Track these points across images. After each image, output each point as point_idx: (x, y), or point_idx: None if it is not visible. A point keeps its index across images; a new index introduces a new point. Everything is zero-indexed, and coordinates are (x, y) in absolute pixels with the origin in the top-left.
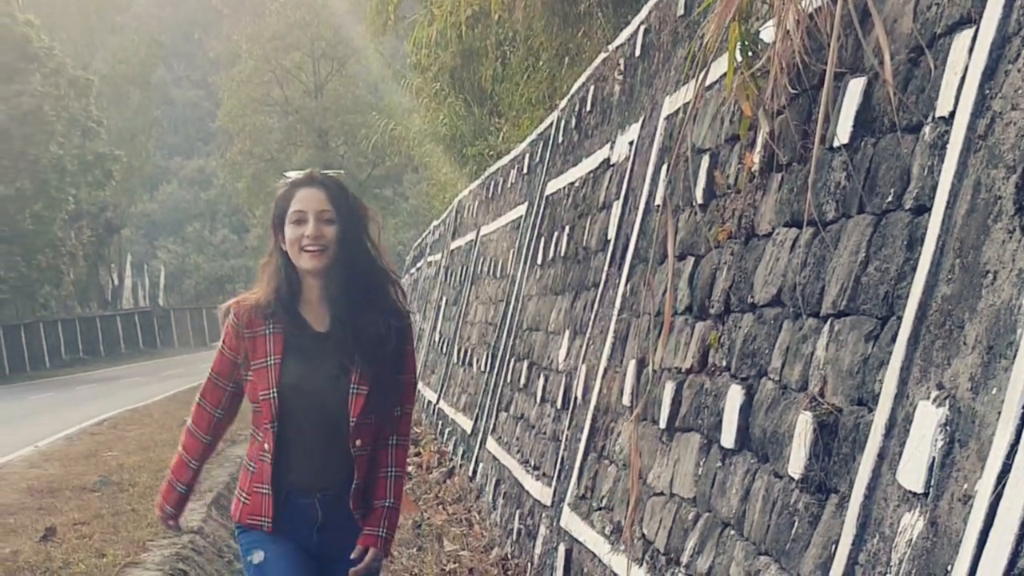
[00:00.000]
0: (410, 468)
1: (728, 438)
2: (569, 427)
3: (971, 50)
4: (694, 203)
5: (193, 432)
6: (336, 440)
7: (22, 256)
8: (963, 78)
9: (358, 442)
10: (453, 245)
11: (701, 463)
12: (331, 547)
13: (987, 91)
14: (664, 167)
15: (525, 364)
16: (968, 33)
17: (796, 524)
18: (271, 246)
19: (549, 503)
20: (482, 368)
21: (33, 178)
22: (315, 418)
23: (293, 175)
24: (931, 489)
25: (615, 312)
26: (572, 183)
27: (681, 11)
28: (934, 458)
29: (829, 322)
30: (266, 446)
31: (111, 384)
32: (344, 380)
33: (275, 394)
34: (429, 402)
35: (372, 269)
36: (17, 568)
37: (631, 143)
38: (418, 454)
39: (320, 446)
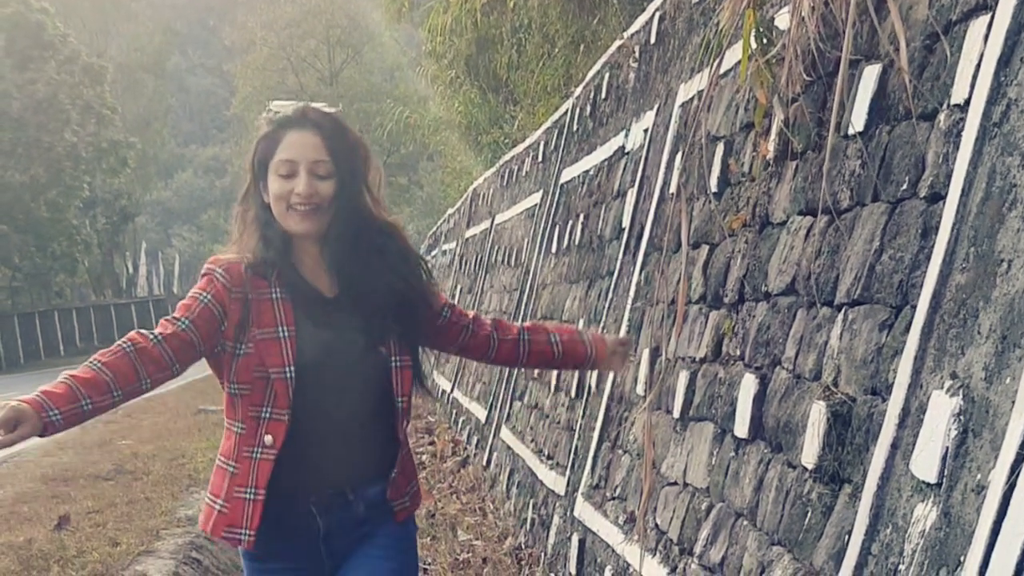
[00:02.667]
0: (424, 457)
1: (742, 428)
2: (583, 416)
3: (986, 37)
4: (708, 191)
5: (134, 360)
6: (373, 426)
7: (37, 244)
8: (978, 65)
9: (405, 423)
10: (468, 233)
11: (715, 453)
12: (342, 555)
13: (1002, 78)
14: (678, 155)
15: None
16: (984, 20)
17: (809, 514)
18: (247, 191)
19: (563, 493)
20: None
21: (48, 166)
22: (347, 402)
23: (281, 106)
24: (944, 479)
25: (629, 301)
26: (587, 171)
27: None
28: (947, 448)
29: (843, 311)
30: (267, 439)
31: None
32: (379, 352)
33: (292, 372)
34: (443, 391)
35: (377, 224)
36: (31, 556)
37: (646, 131)
38: (432, 443)
39: (350, 436)
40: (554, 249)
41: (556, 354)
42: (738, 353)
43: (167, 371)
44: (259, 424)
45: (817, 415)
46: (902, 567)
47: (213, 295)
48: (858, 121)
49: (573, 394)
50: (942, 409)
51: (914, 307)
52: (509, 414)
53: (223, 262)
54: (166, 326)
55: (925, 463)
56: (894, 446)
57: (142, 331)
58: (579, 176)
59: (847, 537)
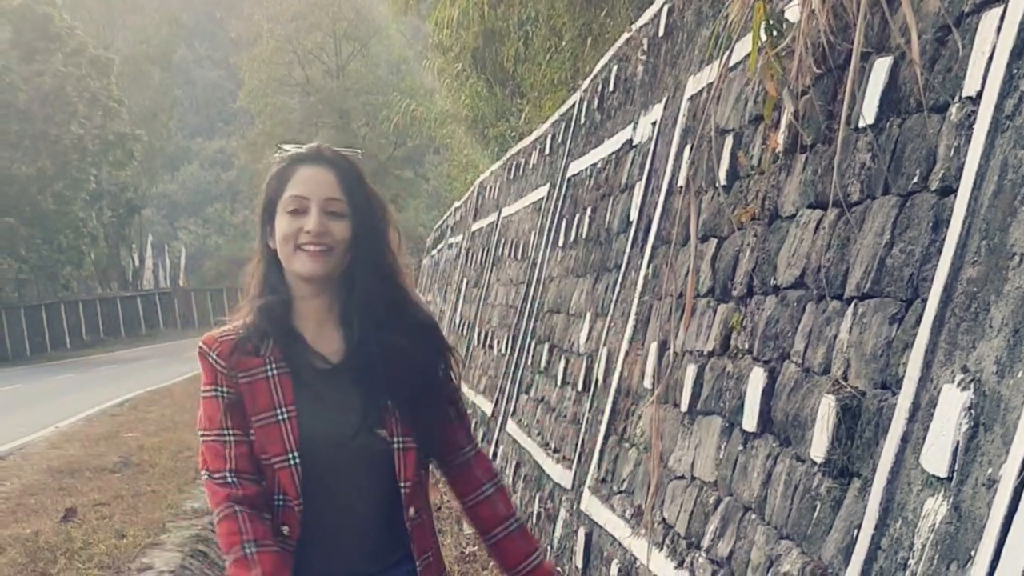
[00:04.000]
0: None
1: (750, 421)
2: (590, 410)
3: (999, 29)
4: (717, 184)
5: (243, 506)
6: (379, 511)
7: (43, 237)
8: (991, 57)
9: (412, 510)
10: (474, 226)
11: (722, 446)
12: None
13: (1015, 70)
14: (687, 148)
15: (546, 346)
16: (996, 12)
17: (818, 508)
18: (258, 245)
19: (569, 486)
20: (503, 350)
21: (54, 158)
22: (350, 485)
23: (292, 148)
24: (955, 473)
25: (637, 294)
26: (594, 164)
27: None
28: (958, 442)
29: (853, 304)
30: (284, 529)
31: (131, 365)
32: (375, 432)
33: (295, 459)
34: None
35: (394, 286)
36: (38, 548)
37: (654, 124)
38: None
39: (357, 522)
40: (561, 242)
41: (510, 525)
42: (746, 347)
43: (263, 487)
44: (275, 513)
45: (826, 409)
46: (912, 561)
47: (225, 384)
48: (869, 113)
49: (580, 387)
50: (953, 403)
51: (925, 301)
52: (515, 407)
53: (215, 344)
54: (217, 452)
55: (935, 457)
56: (904, 440)
57: (210, 483)
58: (586, 169)
59: (856, 531)
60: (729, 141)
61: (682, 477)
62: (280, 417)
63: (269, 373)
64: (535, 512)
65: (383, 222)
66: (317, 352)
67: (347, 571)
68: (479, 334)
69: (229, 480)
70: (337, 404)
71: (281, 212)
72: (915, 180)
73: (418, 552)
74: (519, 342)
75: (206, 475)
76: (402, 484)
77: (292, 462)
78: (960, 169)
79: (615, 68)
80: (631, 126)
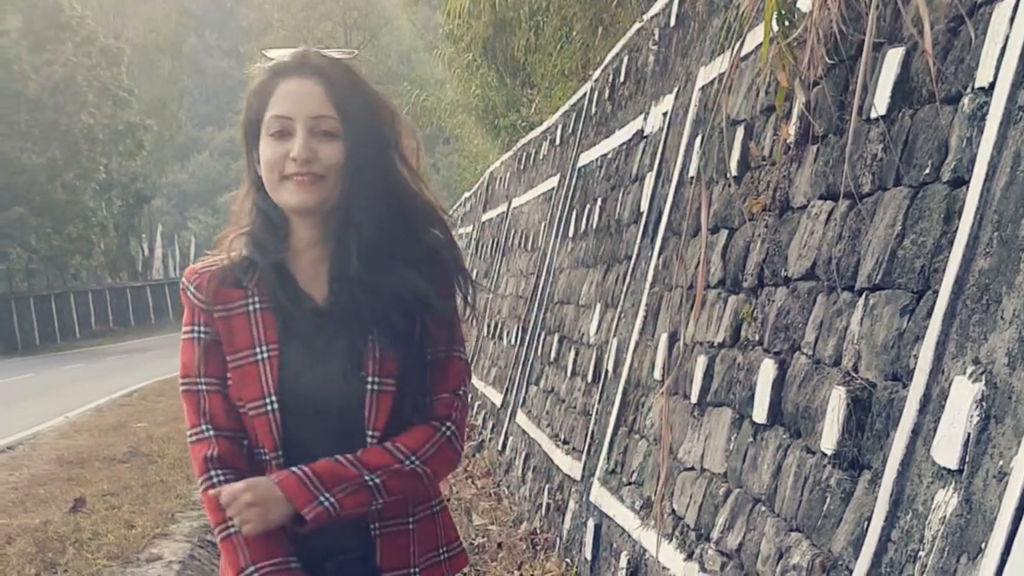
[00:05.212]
0: None
1: (760, 413)
2: (599, 401)
3: (1012, 20)
4: (728, 175)
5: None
6: None
7: (53, 226)
8: (1004, 48)
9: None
10: (484, 217)
11: (732, 438)
12: None
13: None
14: (698, 139)
15: (556, 337)
16: (1009, 2)
17: (828, 500)
18: (245, 171)
19: (579, 477)
20: (512, 341)
21: (64, 148)
22: (324, 439)
23: (278, 54)
24: (966, 466)
25: (647, 285)
26: (605, 155)
27: None
28: (969, 434)
29: (864, 296)
30: None
31: (140, 355)
32: (356, 374)
33: (273, 404)
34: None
35: (400, 212)
36: (47, 538)
37: (665, 114)
38: None
39: None
40: (571, 233)
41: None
42: (757, 338)
43: (244, 446)
44: (264, 470)
45: (837, 401)
46: (922, 553)
47: (203, 323)
48: (881, 104)
49: (590, 379)
50: (964, 395)
51: (936, 292)
52: (525, 398)
53: (194, 276)
54: (193, 405)
55: (946, 449)
56: (915, 432)
57: (191, 446)
58: (597, 160)
59: (866, 523)
60: (740, 132)
61: (692, 469)
62: (259, 357)
63: (250, 308)
64: (544, 503)
65: (388, 133)
66: (304, 291)
67: (345, 541)
68: (488, 325)
69: (205, 435)
70: (324, 352)
71: (264, 135)
72: (927, 171)
73: (383, 523)
74: (529, 333)
75: (188, 435)
76: (372, 434)
77: (269, 408)
78: (972, 160)
79: (626, 58)
80: (642, 116)
